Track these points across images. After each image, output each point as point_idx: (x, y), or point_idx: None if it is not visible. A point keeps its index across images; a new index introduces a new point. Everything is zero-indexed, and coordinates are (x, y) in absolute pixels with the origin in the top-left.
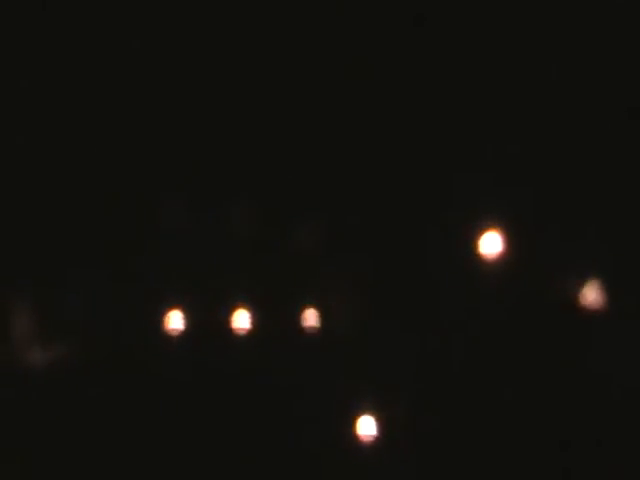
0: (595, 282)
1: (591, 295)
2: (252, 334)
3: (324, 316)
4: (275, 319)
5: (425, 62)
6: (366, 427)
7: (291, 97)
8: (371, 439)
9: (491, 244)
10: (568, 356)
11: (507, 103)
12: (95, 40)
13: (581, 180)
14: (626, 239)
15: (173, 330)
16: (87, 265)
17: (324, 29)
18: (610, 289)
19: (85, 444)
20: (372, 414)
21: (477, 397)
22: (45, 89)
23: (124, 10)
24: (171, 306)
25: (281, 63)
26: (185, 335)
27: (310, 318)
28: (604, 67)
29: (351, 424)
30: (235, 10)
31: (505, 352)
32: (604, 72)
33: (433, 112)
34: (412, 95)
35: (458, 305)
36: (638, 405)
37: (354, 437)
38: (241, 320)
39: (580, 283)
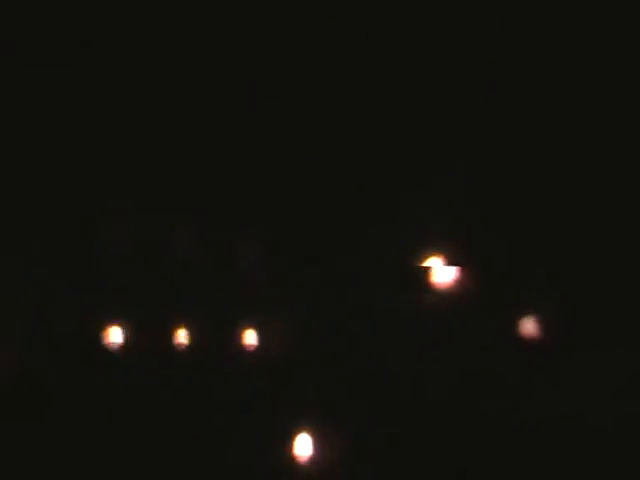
0: (535, 316)
1: (530, 327)
2: (191, 351)
3: (263, 335)
4: (214, 337)
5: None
6: (303, 446)
7: (234, 115)
8: (307, 459)
9: (442, 274)
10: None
11: (470, 128)
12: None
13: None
14: (576, 272)
15: (112, 345)
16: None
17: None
18: (559, 321)
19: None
20: (309, 433)
21: (418, 417)
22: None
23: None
24: (111, 321)
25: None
26: (124, 350)
27: (249, 337)
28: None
29: (288, 443)
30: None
31: (449, 375)
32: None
33: (387, 137)
34: (366, 127)
35: (402, 329)
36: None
37: (291, 457)
38: (181, 337)
39: (525, 316)
